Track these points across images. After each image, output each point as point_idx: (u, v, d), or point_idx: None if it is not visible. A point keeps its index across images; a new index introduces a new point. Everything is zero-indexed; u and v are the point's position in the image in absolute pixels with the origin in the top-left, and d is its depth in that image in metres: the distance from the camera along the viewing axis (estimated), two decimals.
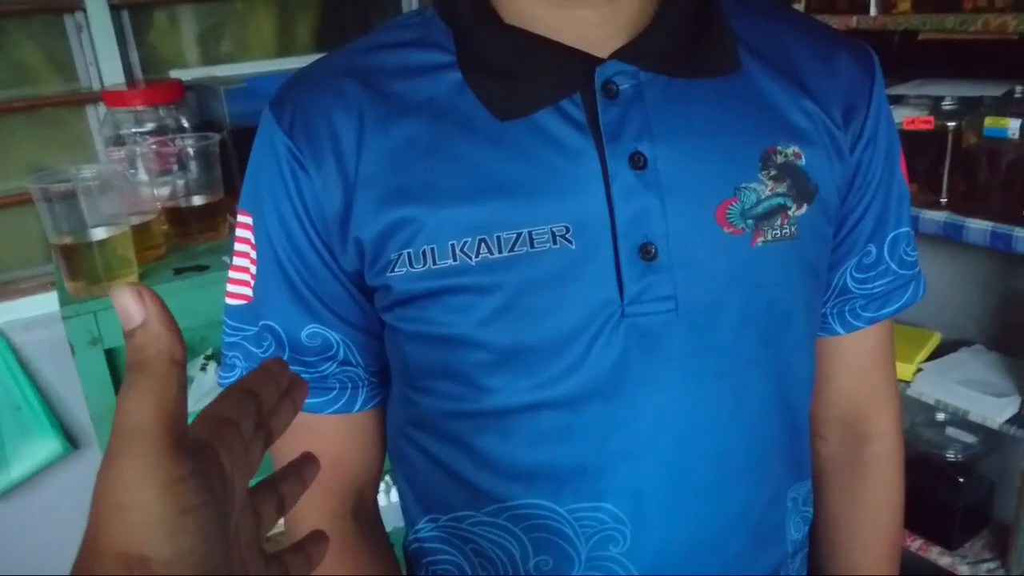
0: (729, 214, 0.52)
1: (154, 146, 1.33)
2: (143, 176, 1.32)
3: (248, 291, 0.58)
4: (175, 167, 1.34)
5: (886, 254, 0.62)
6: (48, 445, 1.48)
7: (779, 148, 0.53)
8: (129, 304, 0.31)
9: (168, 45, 1.68)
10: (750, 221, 0.53)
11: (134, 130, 1.41)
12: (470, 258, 0.51)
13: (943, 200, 1.30)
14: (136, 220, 1.24)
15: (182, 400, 0.31)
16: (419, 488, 0.61)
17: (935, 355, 1.44)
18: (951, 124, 1.27)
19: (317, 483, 0.61)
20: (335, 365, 0.58)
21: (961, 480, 1.42)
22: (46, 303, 1.42)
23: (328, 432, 0.60)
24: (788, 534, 0.61)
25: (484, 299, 0.52)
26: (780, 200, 0.53)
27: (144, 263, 1.24)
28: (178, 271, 1.22)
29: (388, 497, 1.56)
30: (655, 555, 0.55)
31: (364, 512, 0.62)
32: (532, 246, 0.51)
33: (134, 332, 0.31)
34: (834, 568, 0.70)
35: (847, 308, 0.63)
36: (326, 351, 0.57)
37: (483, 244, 0.51)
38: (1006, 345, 1.44)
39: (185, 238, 1.33)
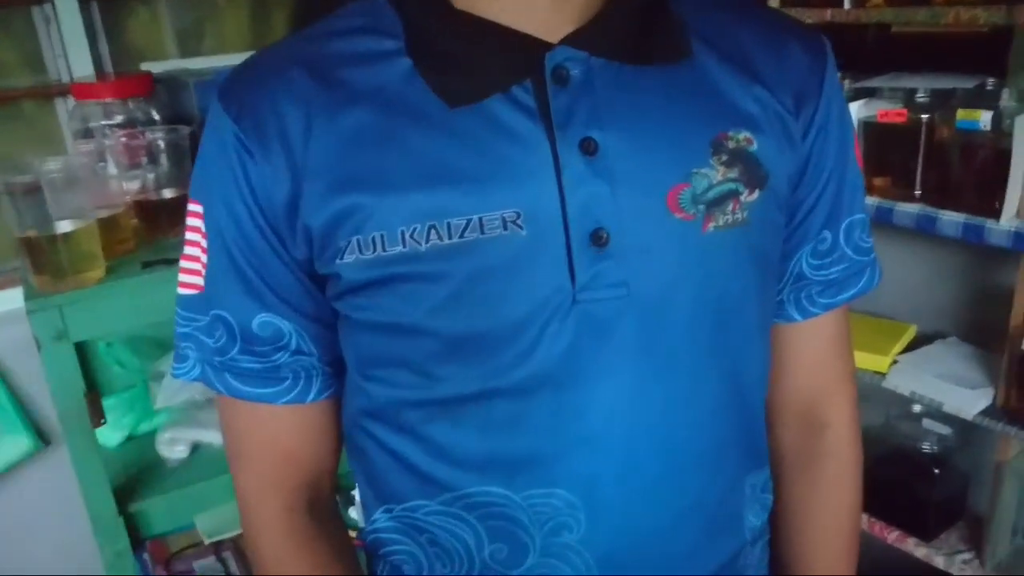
0: (681, 199, 0.52)
1: (123, 139, 1.32)
2: (112, 170, 1.31)
3: (199, 280, 0.58)
4: (145, 160, 1.33)
5: (841, 240, 0.62)
6: (18, 442, 1.46)
7: (730, 134, 0.53)
8: None
9: (139, 38, 1.66)
10: (701, 207, 0.52)
11: (103, 122, 1.39)
12: (420, 244, 0.50)
13: (917, 193, 1.30)
14: (104, 213, 1.23)
15: None
16: (373, 478, 0.61)
17: (910, 347, 1.45)
18: (924, 116, 1.27)
19: (271, 477, 0.60)
20: (287, 355, 0.57)
21: (937, 472, 1.42)
22: (13, 299, 1.40)
23: (281, 423, 0.59)
24: (746, 522, 0.61)
25: (434, 287, 0.51)
26: (732, 186, 0.53)
27: (112, 257, 1.23)
28: (146, 264, 1.21)
29: None
30: (610, 542, 0.55)
31: (319, 504, 0.62)
32: (483, 232, 0.50)
33: None
34: (794, 554, 0.69)
35: (803, 294, 0.63)
36: (278, 340, 0.57)
37: (433, 230, 0.50)
38: (980, 337, 1.44)
39: (155, 232, 1.32)
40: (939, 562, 1.41)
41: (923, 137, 1.28)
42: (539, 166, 0.51)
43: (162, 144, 1.32)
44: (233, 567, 1.51)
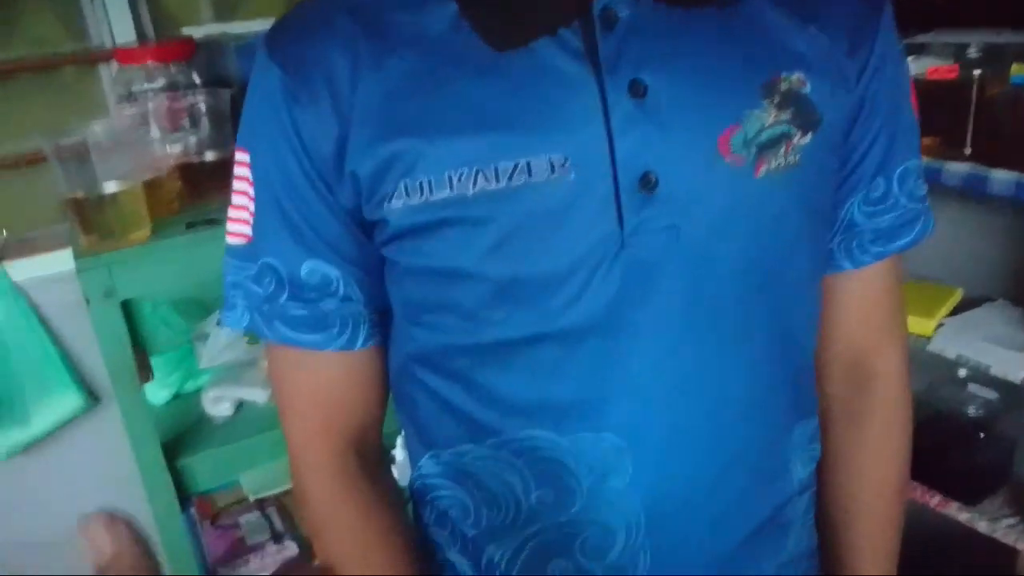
0: (732, 142, 0.51)
1: (165, 102, 1.32)
2: (155, 133, 1.32)
3: (247, 229, 0.58)
4: (186, 124, 1.33)
5: (895, 187, 0.60)
6: (69, 400, 1.50)
7: (783, 75, 0.52)
8: (97, 536, 0.34)
9: (176, 4, 1.67)
10: (753, 150, 0.52)
11: (146, 86, 1.41)
12: (467, 189, 0.50)
13: (967, 151, 1.27)
14: (148, 176, 1.24)
15: None
16: (421, 425, 0.61)
17: (956, 311, 1.42)
18: (976, 72, 1.23)
19: (319, 423, 0.61)
20: (335, 301, 0.58)
21: (981, 436, 1.40)
22: (61, 261, 1.43)
23: (330, 370, 0.60)
24: (794, 472, 0.60)
25: (482, 232, 0.51)
26: (784, 128, 0.52)
27: (157, 218, 1.23)
28: (190, 225, 1.22)
29: (405, 451, 1.57)
30: (657, 490, 0.55)
31: (367, 451, 0.63)
32: (530, 176, 0.50)
33: (109, 563, 0.33)
34: (839, 508, 0.69)
35: (855, 243, 0.62)
36: (326, 287, 0.57)
37: (480, 175, 0.50)
38: None
39: (198, 194, 1.33)
40: (982, 527, 1.39)
41: (974, 94, 1.24)
42: (587, 109, 0.50)
43: (203, 107, 1.33)
44: (277, 523, 1.54)
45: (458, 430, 0.58)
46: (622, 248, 0.51)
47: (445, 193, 0.51)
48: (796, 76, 0.52)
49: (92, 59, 1.59)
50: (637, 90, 0.50)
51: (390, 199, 0.52)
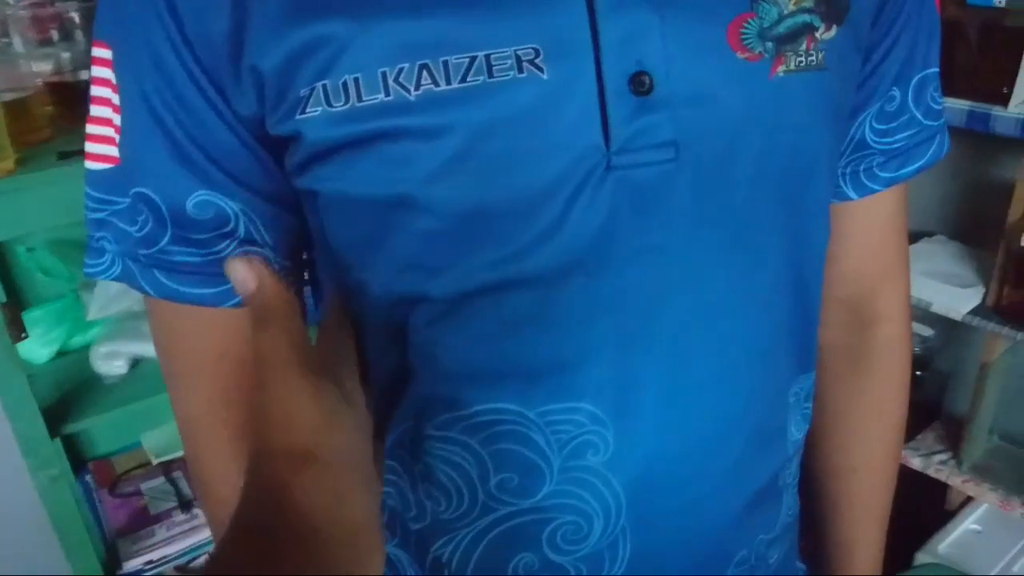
0: (744, 34, 0.41)
1: (30, 10, 1.14)
2: (19, 47, 1.15)
3: (113, 150, 0.45)
4: (56, 37, 1.17)
5: (910, 100, 0.52)
6: None
7: None
8: (239, 273, 0.40)
9: None
10: (770, 44, 0.41)
11: None
12: (408, 91, 0.39)
13: None
14: (10, 96, 1.08)
15: (306, 334, 0.40)
16: None
17: None
18: None
19: (219, 393, 0.49)
20: (234, 244, 0.45)
21: (918, 373, 1.40)
22: None
23: (229, 330, 0.47)
24: (789, 434, 0.53)
25: (430, 146, 0.40)
26: (806, 18, 0.42)
27: (24, 147, 1.08)
28: (63, 155, 1.07)
29: None
30: (641, 464, 0.46)
31: None
32: (491, 75, 0.39)
33: (253, 295, 0.39)
34: (831, 466, 0.63)
35: (863, 167, 0.53)
36: (222, 226, 0.45)
37: (425, 71, 0.38)
38: (970, 235, 1.40)
39: (72, 119, 1.16)
40: (915, 463, 1.41)
41: None
42: None
43: (76, 17, 1.16)
44: (184, 488, 1.42)
45: (401, 406, 0.47)
46: (609, 167, 0.40)
47: (379, 97, 0.39)
48: None
49: None
50: None
51: (304, 105, 0.40)
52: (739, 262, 0.44)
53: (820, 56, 0.43)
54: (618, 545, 0.47)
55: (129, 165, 0.45)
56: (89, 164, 0.46)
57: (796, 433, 0.54)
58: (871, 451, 0.62)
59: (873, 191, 0.54)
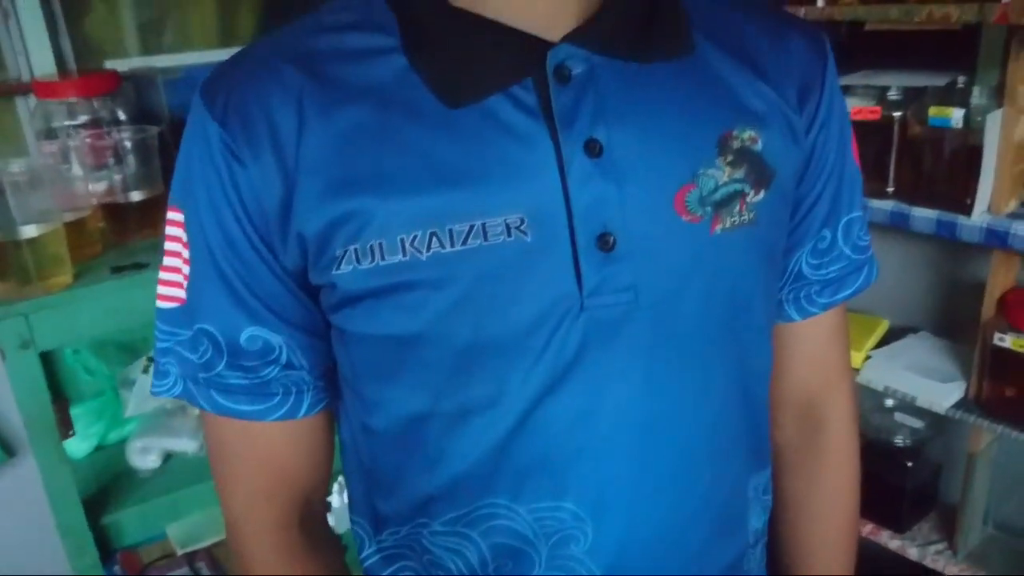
0: (688, 201, 0.51)
1: (88, 139, 1.27)
2: (77, 171, 1.26)
3: (181, 293, 0.55)
4: (111, 161, 1.28)
5: (840, 239, 0.62)
6: None
7: (735, 133, 0.52)
8: None
9: (103, 33, 1.61)
10: (708, 208, 0.52)
11: (67, 123, 1.34)
12: (421, 253, 0.49)
13: (890, 189, 1.32)
14: (70, 217, 1.18)
15: None
16: (372, 496, 0.59)
17: (883, 342, 1.47)
18: (896, 114, 1.29)
19: (261, 492, 0.58)
20: (278, 369, 0.55)
21: (910, 464, 1.44)
22: None
23: (272, 440, 0.57)
24: (749, 523, 0.61)
25: (439, 293, 0.50)
26: (738, 186, 0.52)
27: (79, 261, 1.18)
28: (116, 269, 1.17)
29: (342, 498, 1.53)
30: (616, 552, 0.54)
31: (311, 519, 0.60)
32: (486, 239, 0.49)
33: None
34: (792, 552, 0.70)
35: (802, 294, 0.63)
36: (267, 355, 0.54)
37: (434, 237, 0.49)
38: (951, 331, 1.47)
39: (123, 235, 1.27)
40: (912, 553, 1.43)
41: (896, 134, 1.30)
42: (542, 166, 0.49)
43: (129, 144, 1.27)
44: None
45: (412, 502, 0.56)
46: (582, 309, 0.50)
47: (398, 257, 0.49)
48: (748, 134, 0.53)
49: (8, 91, 1.51)
50: (593, 148, 0.49)
51: (339, 263, 0.50)
52: (692, 379, 0.53)
53: (751, 215, 0.53)
54: None
55: (193, 305, 0.54)
56: (160, 304, 0.56)
57: (756, 522, 0.62)
58: (827, 534, 0.69)
59: (812, 313, 0.63)
